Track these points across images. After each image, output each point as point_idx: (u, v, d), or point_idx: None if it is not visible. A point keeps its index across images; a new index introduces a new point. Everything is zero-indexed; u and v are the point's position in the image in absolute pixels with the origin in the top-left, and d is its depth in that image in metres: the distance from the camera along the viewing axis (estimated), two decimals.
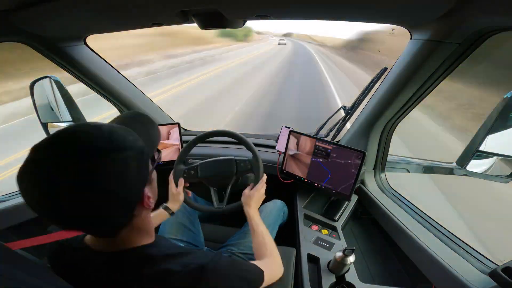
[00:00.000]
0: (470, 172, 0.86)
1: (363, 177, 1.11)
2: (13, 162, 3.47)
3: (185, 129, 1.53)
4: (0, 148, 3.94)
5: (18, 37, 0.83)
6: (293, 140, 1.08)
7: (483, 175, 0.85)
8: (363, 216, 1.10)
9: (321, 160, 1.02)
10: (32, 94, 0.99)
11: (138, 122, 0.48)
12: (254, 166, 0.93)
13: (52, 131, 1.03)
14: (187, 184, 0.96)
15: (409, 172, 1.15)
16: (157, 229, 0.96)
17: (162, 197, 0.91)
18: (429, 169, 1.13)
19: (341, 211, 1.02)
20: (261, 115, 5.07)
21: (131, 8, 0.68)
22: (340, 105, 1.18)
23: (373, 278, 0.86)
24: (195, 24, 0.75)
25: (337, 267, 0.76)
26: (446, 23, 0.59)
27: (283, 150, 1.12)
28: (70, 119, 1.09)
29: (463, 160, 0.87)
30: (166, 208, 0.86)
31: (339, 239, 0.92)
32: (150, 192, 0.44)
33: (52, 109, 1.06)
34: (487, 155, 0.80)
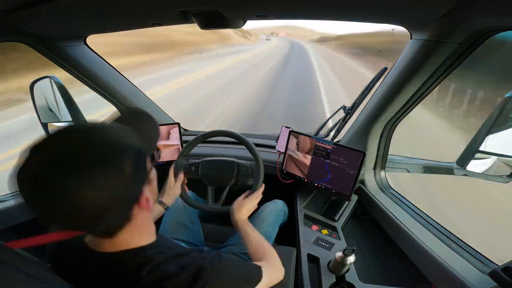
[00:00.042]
0: (470, 172, 0.86)
1: (363, 177, 1.11)
2: None
3: (185, 129, 1.53)
4: None
5: (18, 37, 0.83)
6: (293, 140, 1.08)
7: (483, 175, 0.85)
8: (363, 216, 1.10)
9: (321, 160, 1.02)
10: (32, 94, 0.99)
11: (137, 119, 0.48)
12: (255, 174, 0.93)
13: (52, 131, 1.03)
14: (186, 180, 0.96)
15: (409, 172, 1.15)
16: (157, 227, 0.96)
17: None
18: (429, 169, 1.13)
19: (341, 211, 1.02)
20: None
21: (131, 8, 0.68)
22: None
23: (373, 278, 0.86)
24: None
25: (337, 267, 0.76)
26: (446, 23, 0.59)
27: (283, 150, 1.12)
28: (70, 119, 1.09)
29: (463, 160, 0.87)
30: (160, 203, 0.86)
31: (339, 239, 0.92)
32: (149, 192, 0.44)
33: (52, 109, 1.06)
34: (487, 155, 0.80)
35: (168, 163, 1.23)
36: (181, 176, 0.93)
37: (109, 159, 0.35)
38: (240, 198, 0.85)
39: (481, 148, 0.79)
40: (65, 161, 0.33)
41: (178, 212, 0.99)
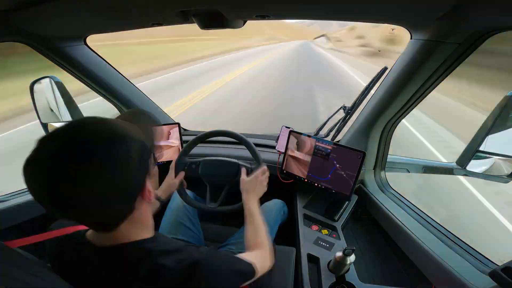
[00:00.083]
0: (470, 172, 0.86)
1: (363, 177, 1.11)
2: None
3: (185, 129, 1.54)
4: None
5: (18, 37, 0.83)
6: (293, 140, 1.08)
7: (483, 175, 0.85)
8: (363, 216, 1.10)
9: (321, 160, 1.02)
10: (32, 94, 0.99)
11: (139, 119, 0.50)
12: (255, 170, 0.93)
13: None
14: (184, 178, 0.97)
15: (409, 172, 1.15)
16: (157, 226, 0.96)
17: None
18: (429, 169, 1.13)
19: (341, 211, 1.02)
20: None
21: (131, 8, 0.68)
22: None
23: (373, 278, 0.86)
24: None
25: (337, 267, 0.76)
26: (446, 23, 0.59)
27: (283, 150, 1.12)
28: (70, 119, 1.09)
29: (463, 160, 0.87)
30: (156, 197, 0.86)
31: (339, 239, 0.92)
32: (151, 186, 0.46)
33: (52, 109, 1.06)
34: (487, 155, 0.80)
35: (168, 163, 1.23)
36: (182, 174, 0.94)
37: (116, 147, 0.37)
38: (243, 176, 0.88)
39: (481, 148, 0.79)
40: (74, 151, 0.34)
41: (178, 212, 0.99)
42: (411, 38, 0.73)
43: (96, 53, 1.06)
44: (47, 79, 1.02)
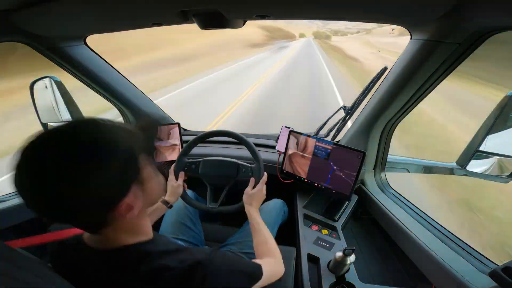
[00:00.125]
0: (470, 172, 0.86)
1: (363, 177, 1.11)
2: None
3: (185, 129, 1.54)
4: None
5: (18, 37, 0.83)
6: (293, 140, 1.08)
7: (483, 175, 0.85)
8: (363, 216, 1.10)
9: (321, 160, 1.02)
10: (32, 94, 0.99)
11: (153, 129, 0.52)
12: (255, 169, 0.93)
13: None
14: (186, 178, 0.96)
15: (409, 172, 1.15)
16: (158, 227, 0.96)
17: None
18: (429, 169, 1.13)
19: (341, 211, 1.02)
20: None
21: (131, 8, 0.68)
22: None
23: (373, 278, 0.86)
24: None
25: (337, 267, 0.76)
26: (446, 23, 0.59)
27: (283, 150, 1.12)
28: (70, 119, 1.09)
29: (463, 160, 0.87)
30: (164, 202, 0.86)
31: (339, 239, 0.92)
32: (141, 194, 0.42)
33: (52, 109, 1.06)
34: (487, 155, 0.80)
35: (168, 163, 1.23)
36: (182, 175, 0.94)
37: (92, 157, 0.35)
38: (248, 189, 0.88)
39: (481, 148, 0.79)
40: (51, 157, 0.34)
41: (179, 212, 0.99)
42: (411, 38, 0.73)
43: (96, 53, 1.06)
44: (47, 79, 1.02)
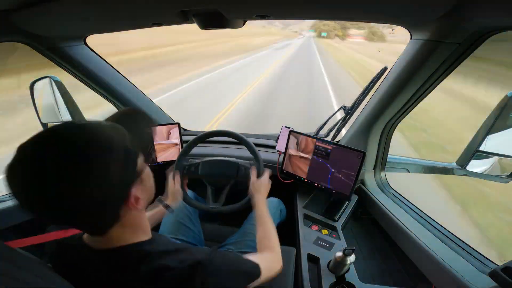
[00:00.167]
0: (470, 172, 0.86)
1: (363, 177, 1.11)
2: None
3: (185, 129, 1.54)
4: None
5: (18, 37, 0.83)
6: (293, 140, 1.08)
7: (483, 175, 0.85)
8: (363, 216, 1.10)
9: (321, 160, 1.02)
10: (32, 94, 0.99)
11: (131, 119, 0.47)
12: (255, 162, 0.93)
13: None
14: (186, 180, 0.96)
15: (409, 172, 1.15)
16: (157, 228, 0.96)
17: (161, 194, 0.91)
18: (429, 169, 1.13)
19: (341, 211, 1.02)
20: None
21: (131, 8, 0.68)
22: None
23: (373, 278, 0.86)
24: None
25: (337, 267, 0.76)
26: (446, 23, 0.59)
27: (283, 150, 1.12)
28: (70, 119, 1.09)
29: (463, 160, 0.87)
30: (166, 206, 0.86)
31: (339, 239, 0.92)
32: (140, 192, 0.43)
33: (52, 109, 1.06)
34: (487, 155, 0.80)
35: (168, 163, 1.23)
36: (179, 178, 0.93)
37: (92, 160, 0.35)
38: (253, 178, 0.88)
39: (481, 148, 0.79)
40: (48, 161, 0.33)
41: (178, 212, 0.99)
42: (411, 38, 0.73)
43: (96, 53, 1.07)
44: (47, 79, 1.02)
